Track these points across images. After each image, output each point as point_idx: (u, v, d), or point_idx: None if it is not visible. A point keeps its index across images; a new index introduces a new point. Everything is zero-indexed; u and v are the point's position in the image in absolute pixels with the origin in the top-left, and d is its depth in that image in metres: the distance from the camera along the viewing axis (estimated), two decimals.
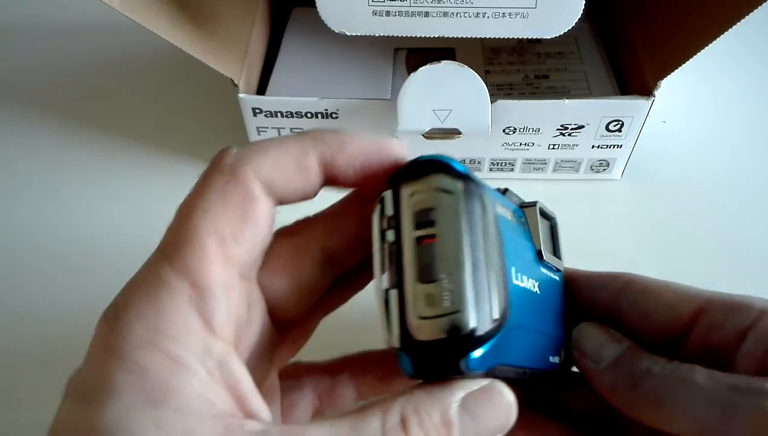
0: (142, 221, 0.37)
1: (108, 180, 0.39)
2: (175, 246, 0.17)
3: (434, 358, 0.17)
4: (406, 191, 0.18)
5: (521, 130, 0.35)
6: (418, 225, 0.17)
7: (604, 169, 0.37)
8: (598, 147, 0.36)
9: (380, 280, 0.18)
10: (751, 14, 0.28)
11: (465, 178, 0.18)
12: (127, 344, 0.15)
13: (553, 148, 0.36)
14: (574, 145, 0.36)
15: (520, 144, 0.36)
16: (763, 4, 0.27)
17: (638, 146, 0.36)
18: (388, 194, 0.18)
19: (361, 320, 0.29)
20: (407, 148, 0.20)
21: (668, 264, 0.34)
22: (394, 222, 0.18)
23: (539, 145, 0.36)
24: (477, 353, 0.17)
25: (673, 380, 0.20)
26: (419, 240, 0.17)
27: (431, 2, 0.30)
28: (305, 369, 0.24)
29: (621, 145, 0.36)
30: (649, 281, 0.24)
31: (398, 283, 0.17)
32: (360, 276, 0.22)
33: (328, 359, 0.24)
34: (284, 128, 0.36)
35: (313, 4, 0.30)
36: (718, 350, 0.21)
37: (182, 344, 0.16)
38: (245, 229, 0.17)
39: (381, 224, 0.18)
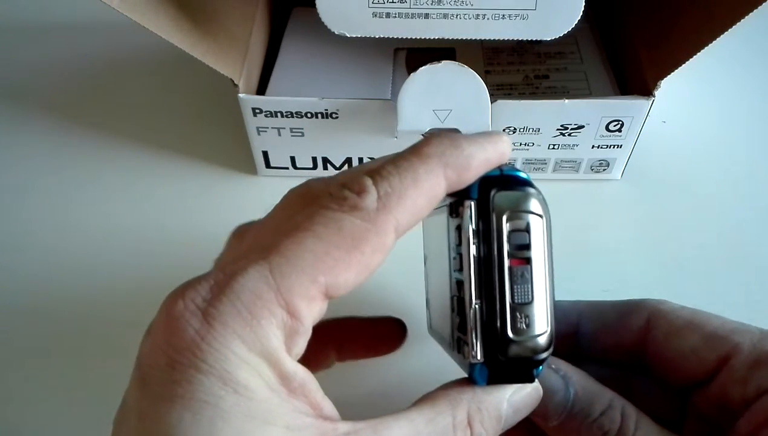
0: (142, 220, 0.37)
1: (108, 180, 0.39)
2: (286, 273, 0.16)
3: (515, 372, 0.19)
4: (500, 210, 0.18)
5: (521, 130, 0.35)
6: (513, 247, 0.18)
7: (604, 169, 0.37)
8: (598, 147, 0.36)
9: (470, 294, 0.18)
10: (751, 14, 0.28)
11: (544, 198, 0.19)
12: (229, 364, 0.15)
13: (553, 148, 0.36)
14: (574, 145, 0.36)
15: (520, 144, 0.36)
16: (763, 4, 0.27)
17: (638, 146, 0.36)
18: (473, 205, 0.19)
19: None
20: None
21: (668, 264, 0.34)
22: (486, 237, 0.18)
23: (539, 145, 0.36)
24: (543, 364, 0.19)
25: None
26: (513, 261, 0.18)
27: (431, 4, 0.30)
28: None
29: (621, 145, 0.36)
30: (673, 317, 0.22)
31: (489, 301, 0.18)
32: None
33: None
34: (284, 128, 0.36)
35: (313, 4, 0.30)
36: (734, 403, 0.21)
37: (274, 368, 0.16)
38: (359, 278, 0.17)
39: (472, 236, 0.18)
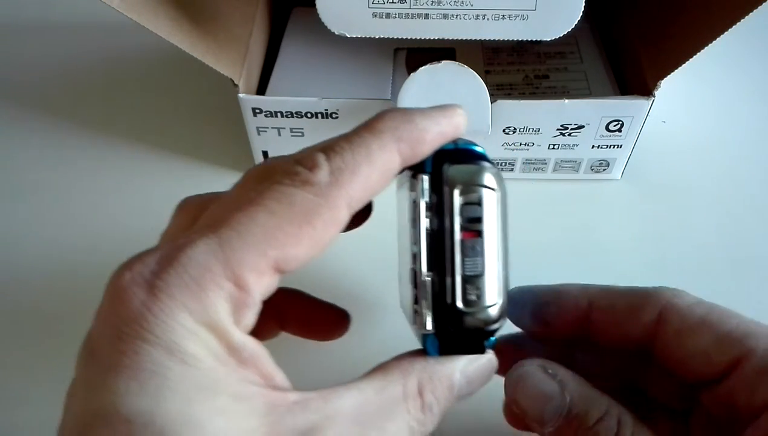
0: (142, 220, 0.37)
1: (107, 180, 0.39)
2: (236, 246, 0.16)
3: (465, 343, 0.19)
4: (453, 183, 0.19)
5: (521, 130, 0.35)
6: (465, 219, 0.18)
7: (604, 169, 0.37)
8: (598, 147, 0.36)
9: (421, 265, 0.19)
10: (751, 14, 0.28)
11: (499, 172, 0.19)
12: (176, 335, 0.15)
13: (553, 148, 0.36)
14: (574, 145, 0.36)
15: (520, 144, 0.36)
16: (763, 4, 0.27)
17: (638, 146, 0.36)
18: (427, 179, 0.19)
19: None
20: None
21: (668, 264, 0.34)
22: (438, 210, 0.19)
23: (539, 145, 0.36)
24: (494, 334, 0.19)
25: None
26: (464, 233, 0.19)
27: (431, 4, 0.30)
28: None
29: (621, 145, 0.36)
30: (686, 313, 0.21)
31: (440, 273, 0.19)
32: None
33: None
34: (284, 128, 0.36)
35: (313, 5, 0.30)
36: (741, 409, 0.20)
37: (221, 339, 0.16)
38: (311, 253, 0.17)
39: (425, 209, 0.19)
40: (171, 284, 0.16)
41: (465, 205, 0.18)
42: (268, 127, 0.36)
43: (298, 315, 0.26)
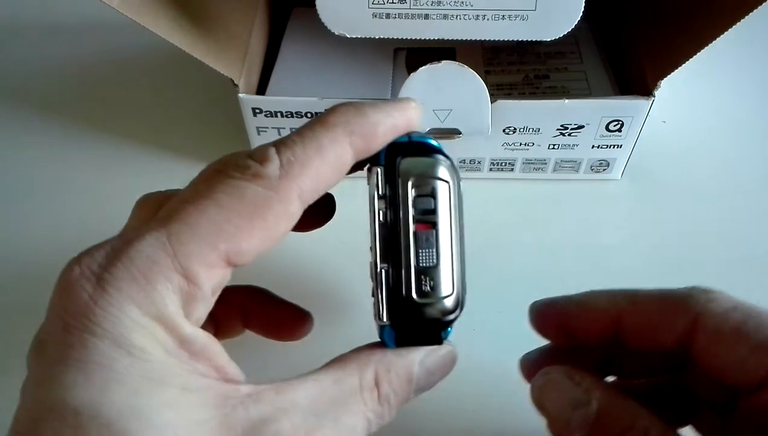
0: None
1: (107, 180, 0.39)
2: (185, 240, 0.16)
3: (422, 334, 0.19)
4: (406, 176, 0.19)
5: (521, 130, 0.35)
6: (418, 211, 0.19)
7: (604, 169, 0.37)
8: (598, 147, 0.36)
9: (375, 258, 0.19)
10: (751, 14, 0.28)
11: (452, 164, 0.19)
12: (123, 328, 0.15)
13: (553, 148, 0.36)
14: (574, 145, 0.36)
15: (520, 144, 0.36)
16: (763, 4, 0.27)
17: (638, 146, 0.36)
18: (380, 171, 0.19)
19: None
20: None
21: (668, 264, 0.34)
22: (392, 202, 0.19)
23: (539, 145, 0.36)
24: (451, 325, 0.20)
25: None
26: (418, 225, 0.19)
27: (431, 4, 0.30)
28: None
29: (621, 145, 0.36)
30: (721, 321, 0.20)
31: (395, 264, 0.19)
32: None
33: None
34: (284, 128, 0.36)
35: (313, 5, 0.30)
36: None
37: (171, 331, 0.16)
38: (263, 246, 0.17)
39: (379, 202, 0.19)
40: (119, 277, 0.16)
41: (418, 197, 0.19)
42: (268, 127, 0.36)
43: (261, 314, 0.26)
